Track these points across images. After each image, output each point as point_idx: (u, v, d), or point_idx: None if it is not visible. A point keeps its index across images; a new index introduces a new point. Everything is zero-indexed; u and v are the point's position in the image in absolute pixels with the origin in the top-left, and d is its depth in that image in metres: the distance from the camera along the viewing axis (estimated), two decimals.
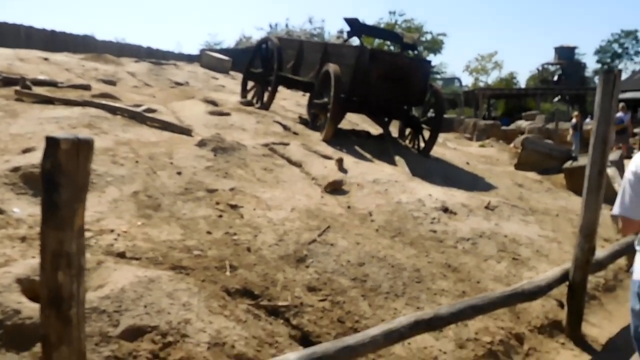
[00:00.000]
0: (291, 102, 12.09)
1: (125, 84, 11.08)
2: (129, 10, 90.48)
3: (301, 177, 5.97)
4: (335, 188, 5.70)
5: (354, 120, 11.27)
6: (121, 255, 3.34)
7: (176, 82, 12.72)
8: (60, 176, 1.52)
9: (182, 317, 2.82)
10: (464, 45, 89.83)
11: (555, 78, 44.06)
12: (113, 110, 6.77)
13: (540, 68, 47.14)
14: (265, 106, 9.58)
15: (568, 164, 9.04)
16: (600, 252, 4.47)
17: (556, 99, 38.25)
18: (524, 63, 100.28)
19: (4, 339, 2.40)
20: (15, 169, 4.23)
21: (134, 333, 2.62)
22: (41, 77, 8.89)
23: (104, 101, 7.24)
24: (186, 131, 6.74)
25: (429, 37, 38.09)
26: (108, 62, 13.09)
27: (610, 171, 7.35)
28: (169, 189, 4.60)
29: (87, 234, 3.47)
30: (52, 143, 1.53)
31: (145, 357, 2.51)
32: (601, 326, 4.32)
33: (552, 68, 46.37)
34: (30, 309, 2.52)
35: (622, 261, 5.19)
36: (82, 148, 1.57)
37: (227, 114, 8.07)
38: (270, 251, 3.93)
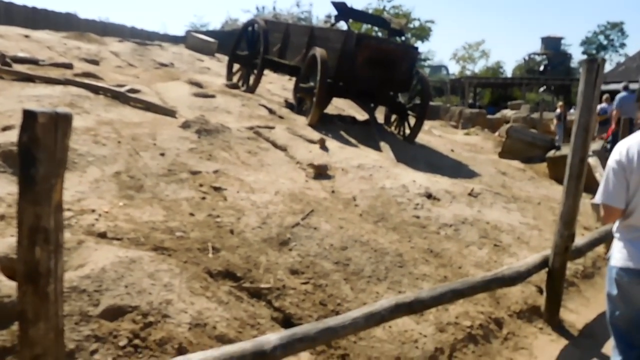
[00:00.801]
0: (277, 85, 12.01)
1: (109, 64, 10.90)
2: None
3: (286, 161, 5.95)
4: (320, 172, 5.69)
5: (340, 106, 11.24)
6: (102, 235, 3.31)
7: (161, 63, 12.54)
8: (38, 150, 1.49)
9: (164, 297, 2.81)
10: (452, 34, 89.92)
11: (541, 68, 44.37)
12: (95, 90, 6.66)
13: (526, 58, 47.40)
14: (251, 89, 9.51)
15: (551, 153, 9.12)
16: (580, 240, 4.52)
17: (542, 89, 38.48)
18: (510, 53, 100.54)
19: None
20: None
21: (115, 313, 2.60)
22: (22, 54, 8.69)
23: (86, 80, 7.11)
24: (170, 112, 6.66)
25: (416, 23, 37.92)
26: (91, 41, 12.86)
27: (592, 160, 7.44)
28: (152, 170, 4.56)
29: (68, 214, 3.43)
30: (29, 116, 1.49)
31: (126, 337, 2.50)
32: (579, 312, 4.39)
33: (538, 58, 46.65)
34: (9, 287, 2.49)
35: (600, 249, 5.27)
36: (61, 122, 1.53)
37: (212, 96, 7.99)
38: (253, 234, 3.92)
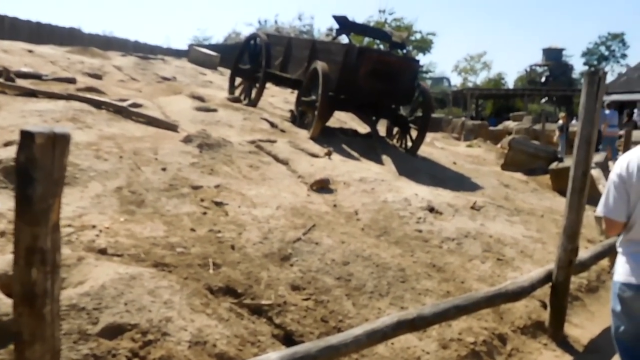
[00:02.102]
0: (279, 99, 12.05)
1: (112, 78, 10.97)
2: (118, 3, 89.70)
3: (287, 175, 5.94)
4: (322, 186, 5.68)
5: (342, 118, 11.25)
6: (103, 251, 3.30)
7: (163, 77, 12.61)
8: (35, 170, 1.48)
9: (163, 315, 2.79)
10: (454, 45, 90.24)
11: (543, 79, 44.41)
12: (98, 105, 6.69)
13: (528, 69, 47.48)
14: (253, 103, 9.53)
15: (554, 165, 9.10)
16: (584, 253, 4.49)
17: (543, 100, 38.53)
18: (512, 64, 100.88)
19: None
20: None
21: (114, 331, 2.58)
22: (25, 69, 8.75)
23: (89, 95, 7.15)
24: (172, 127, 6.67)
25: (418, 36, 38.13)
26: (94, 56, 12.95)
27: (595, 172, 7.42)
28: (153, 185, 4.55)
29: (69, 230, 3.42)
30: (27, 137, 1.48)
31: (125, 355, 2.47)
32: (583, 327, 4.34)
33: (539, 69, 46.72)
34: (8, 305, 2.46)
35: (605, 262, 5.23)
36: (58, 142, 1.53)
37: (214, 110, 8.01)
38: (255, 249, 3.90)
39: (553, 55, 45.76)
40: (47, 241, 1.53)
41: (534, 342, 3.93)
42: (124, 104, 6.99)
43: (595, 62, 48.80)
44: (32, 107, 6.14)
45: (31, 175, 1.49)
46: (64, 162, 1.57)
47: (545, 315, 4.14)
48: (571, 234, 3.89)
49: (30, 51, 11.15)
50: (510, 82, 47.64)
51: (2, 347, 2.34)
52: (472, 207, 6.02)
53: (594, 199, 4.44)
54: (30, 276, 1.51)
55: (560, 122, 16.29)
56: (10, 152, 4.30)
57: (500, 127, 22.76)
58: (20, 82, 7.41)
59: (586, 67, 48.71)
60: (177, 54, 20.87)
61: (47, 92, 6.94)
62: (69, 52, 12.50)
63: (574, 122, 18.61)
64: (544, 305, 4.26)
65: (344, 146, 7.87)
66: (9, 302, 2.50)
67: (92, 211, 3.88)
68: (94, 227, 3.59)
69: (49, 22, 19.10)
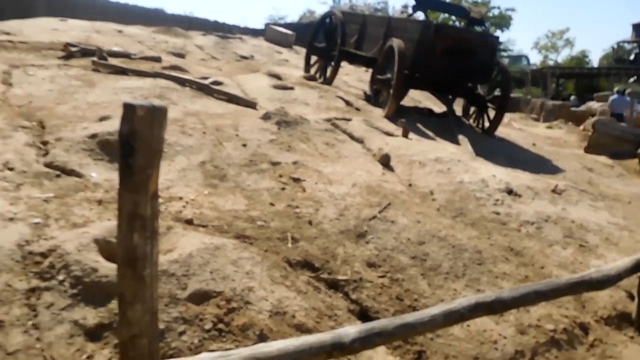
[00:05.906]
0: (353, 77, 11.99)
1: (193, 57, 11.32)
2: None
3: (362, 153, 5.94)
4: (383, 163, 5.64)
5: (417, 97, 11.07)
6: (189, 222, 3.47)
7: (241, 56, 12.85)
8: (136, 141, 1.58)
9: (246, 284, 2.91)
10: (533, 21, 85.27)
11: (632, 57, 41.30)
12: (182, 82, 6.95)
13: (615, 46, 44.25)
14: (328, 81, 9.56)
15: None
16: None
17: (632, 79, 35.93)
18: (597, 41, 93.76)
19: (82, 294, 2.56)
20: (93, 136, 4.45)
21: (201, 297, 2.73)
22: (116, 48, 9.20)
23: (173, 73, 7.44)
24: (251, 104, 6.83)
25: (496, 12, 36.56)
26: (177, 35, 13.39)
27: None
28: (234, 160, 4.71)
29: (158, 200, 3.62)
30: (129, 109, 1.59)
31: (211, 321, 2.61)
32: None
33: (628, 46, 43.42)
34: (107, 268, 2.67)
35: None
36: (157, 115, 1.62)
37: (291, 88, 8.12)
38: (331, 225, 3.96)
39: None
40: (147, 208, 1.64)
41: (618, 334, 3.76)
42: (206, 81, 7.22)
43: None
44: (122, 84, 6.48)
45: (132, 146, 1.59)
46: (162, 135, 1.67)
47: (632, 307, 3.94)
48: None
49: (119, 31, 11.70)
50: (594, 61, 44.71)
51: (101, 306, 2.54)
52: (553, 191, 5.79)
53: None
54: (132, 241, 1.63)
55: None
56: (105, 127, 4.59)
57: (582, 108, 21.51)
58: (112, 61, 7.81)
59: None
60: (253, 33, 21.13)
61: (136, 70, 7.28)
62: (154, 32, 13.00)
63: None
64: (631, 296, 4.05)
65: (419, 125, 7.77)
66: (107, 265, 2.70)
67: (179, 184, 4.09)
68: (180, 199, 3.78)
69: (136, 3, 19.93)
